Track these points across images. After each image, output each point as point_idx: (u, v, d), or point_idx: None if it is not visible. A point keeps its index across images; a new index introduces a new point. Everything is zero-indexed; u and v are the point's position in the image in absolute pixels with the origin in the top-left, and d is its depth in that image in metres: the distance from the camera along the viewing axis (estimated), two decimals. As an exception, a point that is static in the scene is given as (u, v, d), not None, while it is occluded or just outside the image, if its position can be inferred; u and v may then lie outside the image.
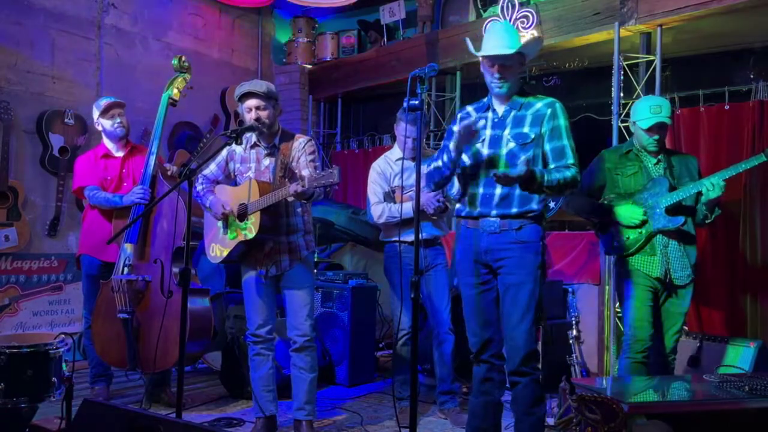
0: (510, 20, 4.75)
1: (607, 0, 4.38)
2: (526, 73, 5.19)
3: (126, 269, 3.51)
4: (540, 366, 2.59)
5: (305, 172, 2.99)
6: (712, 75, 4.56)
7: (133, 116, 3.96)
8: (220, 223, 3.18)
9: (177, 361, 2.86)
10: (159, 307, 3.38)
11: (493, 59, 2.59)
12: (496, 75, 2.59)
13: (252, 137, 3.20)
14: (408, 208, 3.50)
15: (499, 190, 2.56)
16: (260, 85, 3.08)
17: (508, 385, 2.68)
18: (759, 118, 3.90)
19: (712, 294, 4.00)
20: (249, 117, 3.08)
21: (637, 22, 4.22)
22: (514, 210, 2.55)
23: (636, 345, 3.10)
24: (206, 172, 3.26)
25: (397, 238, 3.58)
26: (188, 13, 5.74)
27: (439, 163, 2.66)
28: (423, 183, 3.31)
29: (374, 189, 3.72)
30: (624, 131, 4.29)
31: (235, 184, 3.25)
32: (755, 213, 3.90)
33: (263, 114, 3.07)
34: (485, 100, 2.72)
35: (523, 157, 2.49)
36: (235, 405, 3.83)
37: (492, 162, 2.59)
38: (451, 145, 2.59)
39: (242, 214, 3.07)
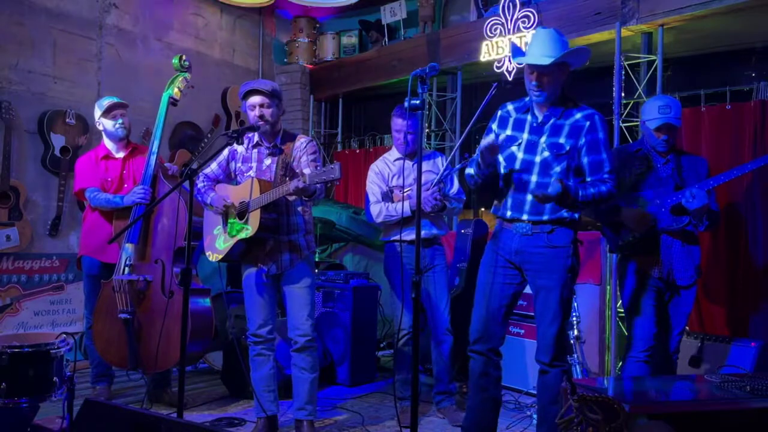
0: (511, 20, 4.76)
1: (608, 0, 4.37)
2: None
3: (127, 269, 3.51)
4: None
5: (306, 171, 3.00)
6: (713, 75, 4.55)
7: (134, 116, 3.96)
8: (219, 222, 3.19)
9: (178, 360, 2.86)
10: (160, 308, 3.39)
11: (532, 67, 2.60)
12: (534, 83, 2.61)
13: (254, 137, 3.20)
14: (405, 207, 3.51)
15: (530, 197, 2.60)
16: (265, 84, 3.11)
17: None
18: (761, 118, 3.89)
19: (714, 294, 4.00)
20: (252, 115, 3.09)
21: (639, 21, 4.22)
22: (546, 217, 2.60)
23: (639, 344, 3.10)
24: (207, 171, 3.27)
25: (396, 237, 3.58)
26: (189, 13, 5.74)
27: (472, 171, 2.70)
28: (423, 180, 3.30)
29: (372, 189, 3.73)
30: (625, 131, 4.29)
31: (236, 183, 3.25)
32: (757, 212, 3.89)
33: (267, 112, 3.08)
34: (527, 100, 2.73)
35: (555, 177, 2.54)
36: (237, 405, 3.83)
37: (525, 168, 2.63)
38: (480, 160, 2.62)
39: (243, 212, 3.07)
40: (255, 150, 3.21)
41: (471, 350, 2.72)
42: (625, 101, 4.32)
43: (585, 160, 2.60)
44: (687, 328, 3.88)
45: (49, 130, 4.61)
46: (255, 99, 3.07)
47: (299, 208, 3.17)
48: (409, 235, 3.51)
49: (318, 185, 2.86)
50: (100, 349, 3.59)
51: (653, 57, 4.26)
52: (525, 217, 2.62)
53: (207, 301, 3.64)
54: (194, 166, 2.84)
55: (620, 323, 4.18)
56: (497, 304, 2.69)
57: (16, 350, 2.65)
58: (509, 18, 4.76)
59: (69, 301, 4.77)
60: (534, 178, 2.61)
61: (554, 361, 2.62)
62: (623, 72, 4.33)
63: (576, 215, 2.64)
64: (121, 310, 3.46)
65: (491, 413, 2.71)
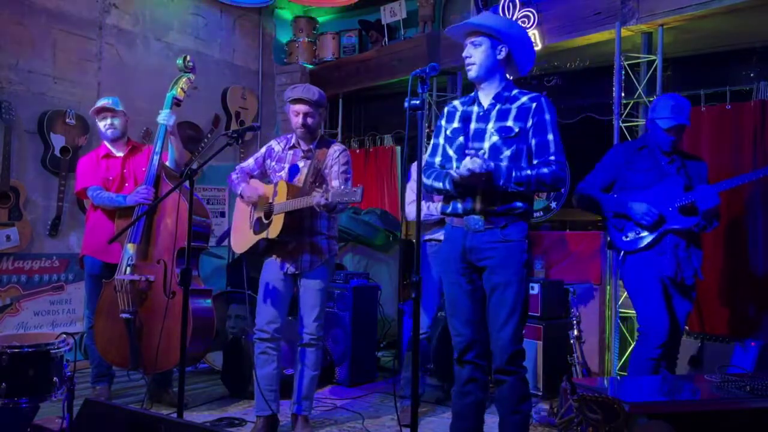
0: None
1: (608, 0, 4.38)
2: (528, 73, 5.17)
3: (129, 269, 3.51)
4: (525, 364, 2.55)
5: (335, 183, 3.11)
6: (713, 75, 4.56)
7: (134, 116, 3.96)
8: (247, 217, 3.26)
9: (179, 361, 2.86)
10: (162, 308, 3.38)
11: (463, 37, 2.58)
12: (465, 55, 2.57)
13: (292, 138, 3.30)
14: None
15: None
16: (312, 93, 3.20)
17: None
18: (761, 118, 3.90)
19: (714, 294, 4.00)
20: (296, 120, 3.20)
21: (639, 21, 4.22)
22: (498, 207, 2.48)
23: (653, 338, 3.04)
24: (244, 165, 3.38)
25: (430, 237, 3.62)
26: (189, 13, 5.74)
27: (440, 185, 2.56)
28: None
29: (413, 186, 3.72)
30: (625, 131, 4.29)
31: (268, 182, 3.33)
32: (757, 212, 3.89)
33: (309, 121, 3.20)
34: (473, 93, 2.67)
35: (505, 162, 2.44)
36: (237, 405, 3.83)
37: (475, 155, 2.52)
38: (457, 181, 2.48)
39: (268, 213, 3.13)
40: (290, 151, 3.29)
41: (459, 360, 2.61)
42: (625, 101, 4.32)
43: (532, 142, 2.49)
44: (687, 327, 3.88)
45: (49, 130, 4.61)
46: (300, 107, 3.18)
47: (324, 212, 3.21)
48: (437, 234, 3.54)
49: (339, 204, 2.91)
50: (101, 349, 3.58)
51: (653, 57, 4.26)
52: (478, 206, 2.49)
53: (208, 302, 3.63)
54: (194, 166, 2.86)
55: (620, 324, 4.19)
56: (470, 314, 2.57)
57: (16, 350, 2.64)
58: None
59: (69, 301, 4.77)
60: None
61: (509, 365, 2.48)
62: (623, 72, 4.33)
63: (527, 206, 2.51)
64: (122, 309, 3.46)
65: (478, 415, 2.64)
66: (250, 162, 3.38)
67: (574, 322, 3.72)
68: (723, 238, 3.99)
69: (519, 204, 2.49)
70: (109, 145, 3.84)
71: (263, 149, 3.38)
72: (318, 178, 3.17)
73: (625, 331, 4.23)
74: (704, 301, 3.99)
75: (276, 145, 3.35)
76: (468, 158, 2.42)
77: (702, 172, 3.20)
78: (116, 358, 3.55)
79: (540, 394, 3.92)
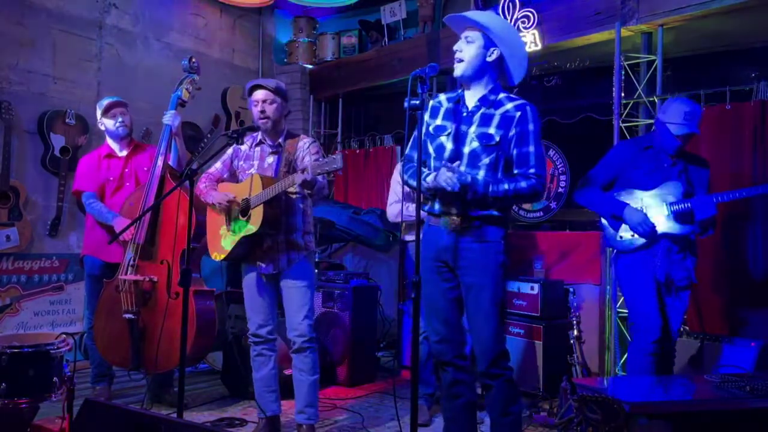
0: (511, 20, 4.75)
1: (608, 0, 4.37)
2: (527, 74, 5.16)
3: (131, 269, 3.51)
4: (510, 365, 2.53)
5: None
6: (713, 75, 4.55)
7: (134, 116, 3.95)
8: (223, 222, 3.18)
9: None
10: (165, 308, 3.38)
11: (457, 29, 2.54)
12: (455, 48, 2.52)
13: (258, 135, 3.23)
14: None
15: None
16: (269, 81, 3.15)
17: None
18: (761, 118, 3.89)
19: (714, 294, 4.00)
20: (255, 111, 3.12)
21: (639, 21, 4.22)
22: (475, 212, 2.46)
23: (647, 335, 3.04)
24: (211, 170, 3.29)
25: (409, 237, 3.65)
26: (189, 14, 5.75)
27: (414, 184, 2.52)
28: None
29: (395, 188, 3.72)
30: (625, 131, 4.29)
31: (237, 182, 3.25)
32: (757, 212, 3.89)
33: (269, 108, 3.11)
34: (459, 91, 2.62)
35: (482, 169, 2.43)
36: (237, 405, 3.83)
37: (453, 159, 2.50)
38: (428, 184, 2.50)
39: (245, 209, 3.07)
40: (257, 148, 3.22)
41: (438, 362, 2.61)
42: (625, 101, 4.32)
43: (514, 151, 2.47)
44: (686, 327, 3.88)
45: (49, 130, 4.61)
46: (258, 95, 3.11)
47: (300, 206, 3.16)
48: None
49: (322, 177, 2.85)
50: (102, 349, 3.58)
51: (653, 57, 4.26)
52: (454, 210, 2.47)
53: (211, 303, 3.63)
54: (194, 166, 2.84)
55: (620, 323, 4.19)
56: (447, 313, 2.55)
57: (16, 350, 2.65)
58: (509, 18, 4.76)
59: (69, 301, 4.77)
60: (463, 170, 2.46)
61: (493, 368, 2.46)
62: (623, 72, 4.32)
63: (504, 214, 2.49)
64: (125, 310, 3.46)
65: (470, 417, 2.62)
66: (217, 165, 3.29)
67: (574, 322, 3.72)
68: (723, 238, 3.98)
69: (495, 213, 2.47)
70: (112, 145, 3.83)
71: (229, 150, 3.27)
72: (291, 169, 3.10)
73: (624, 331, 4.23)
74: (704, 301, 3.99)
75: (242, 145, 3.23)
76: (443, 170, 2.40)
77: (704, 179, 3.18)
78: (117, 358, 3.55)
79: (540, 394, 3.93)
